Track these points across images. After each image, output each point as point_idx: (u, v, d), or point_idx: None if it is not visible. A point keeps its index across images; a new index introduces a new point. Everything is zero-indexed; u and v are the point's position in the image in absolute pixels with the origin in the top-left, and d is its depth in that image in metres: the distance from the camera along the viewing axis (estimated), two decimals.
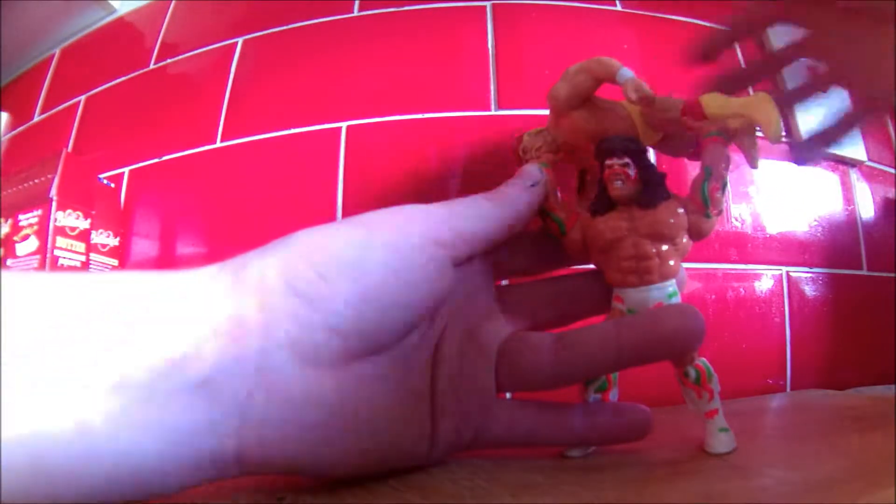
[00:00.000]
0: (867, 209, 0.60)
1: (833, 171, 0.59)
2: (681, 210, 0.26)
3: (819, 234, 0.55)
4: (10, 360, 0.15)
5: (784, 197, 0.55)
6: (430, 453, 0.24)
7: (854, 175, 0.60)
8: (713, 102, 0.27)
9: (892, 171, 0.62)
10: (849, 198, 0.59)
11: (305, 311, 0.19)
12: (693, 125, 0.27)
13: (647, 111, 0.27)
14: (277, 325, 0.19)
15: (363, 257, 0.20)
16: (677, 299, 0.26)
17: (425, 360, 0.24)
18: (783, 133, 0.26)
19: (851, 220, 0.58)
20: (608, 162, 0.25)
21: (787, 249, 0.53)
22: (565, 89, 0.28)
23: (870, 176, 0.61)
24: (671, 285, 0.26)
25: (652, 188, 0.25)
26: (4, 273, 0.16)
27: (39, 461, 0.15)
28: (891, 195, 0.61)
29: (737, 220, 0.53)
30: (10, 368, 0.15)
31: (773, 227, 0.54)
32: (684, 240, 0.26)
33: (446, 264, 0.23)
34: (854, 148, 0.59)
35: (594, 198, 0.27)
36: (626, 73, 0.26)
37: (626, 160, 0.25)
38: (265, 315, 0.19)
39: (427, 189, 0.50)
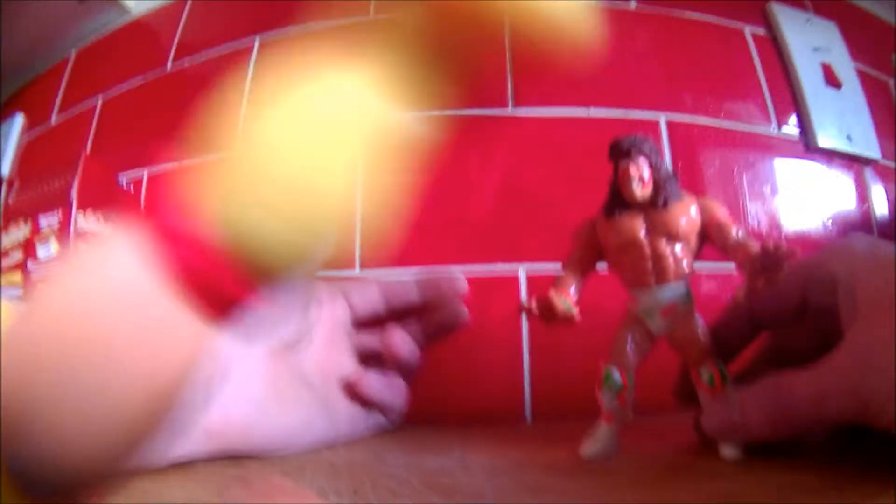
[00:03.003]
0: (882, 208, 0.59)
1: (847, 169, 0.59)
2: (693, 209, 0.26)
3: (834, 234, 0.55)
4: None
5: (799, 196, 0.55)
6: (335, 431, 0.31)
7: (868, 173, 0.59)
8: None
9: None
10: (863, 196, 0.59)
11: None
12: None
13: None
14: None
15: None
16: (690, 298, 0.26)
17: (306, 350, 0.32)
18: None
19: (866, 219, 0.58)
20: (622, 164, 0.26)
21: (802, 249, 0.53)
22: None
23: (884, 174, 0.60)
24: (685, 285, 0.26)
25: (665, 189, 0.26)
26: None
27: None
28: None
29: (753, 218, 0.52)
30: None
31: (789, 227, 0.53)
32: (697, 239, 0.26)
33: None
34: (868, 145, 0.59)
35: (607, 199, 0.27)
36: None
37: (641, 161, 0.25)
38: None
39: (437, 189, 0.50)
